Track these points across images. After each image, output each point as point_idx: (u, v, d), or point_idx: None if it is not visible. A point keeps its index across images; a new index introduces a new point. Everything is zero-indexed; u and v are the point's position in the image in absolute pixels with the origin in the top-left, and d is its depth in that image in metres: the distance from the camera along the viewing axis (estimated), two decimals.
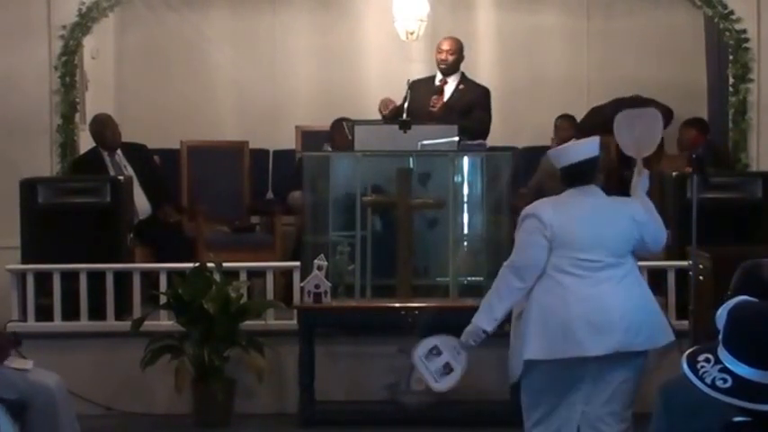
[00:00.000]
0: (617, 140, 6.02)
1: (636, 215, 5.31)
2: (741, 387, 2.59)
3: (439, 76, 8.90)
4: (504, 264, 5.33)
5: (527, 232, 5.26)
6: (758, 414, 2.58)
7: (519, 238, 5.32)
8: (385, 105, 8.81)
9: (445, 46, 8.84)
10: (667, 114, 9.59)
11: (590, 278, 5.17)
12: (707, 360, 2.66)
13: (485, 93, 8.90)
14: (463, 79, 8.89)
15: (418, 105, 8.49)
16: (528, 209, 5.36)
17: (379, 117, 8.97)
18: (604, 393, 5.23)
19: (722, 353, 2.64)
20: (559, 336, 5.12)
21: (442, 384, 5.47)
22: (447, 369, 5.40)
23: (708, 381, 2.63)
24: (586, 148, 5.36)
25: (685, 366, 2.68)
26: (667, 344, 5.30)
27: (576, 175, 5.31)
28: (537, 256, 5.21)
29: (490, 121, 8.79)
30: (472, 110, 8.75)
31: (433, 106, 8.69)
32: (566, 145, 5.52)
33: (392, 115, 8.56)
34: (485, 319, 5.29)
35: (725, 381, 2.61)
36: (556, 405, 5.28)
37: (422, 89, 8.76)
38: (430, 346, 5.48)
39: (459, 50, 8.85)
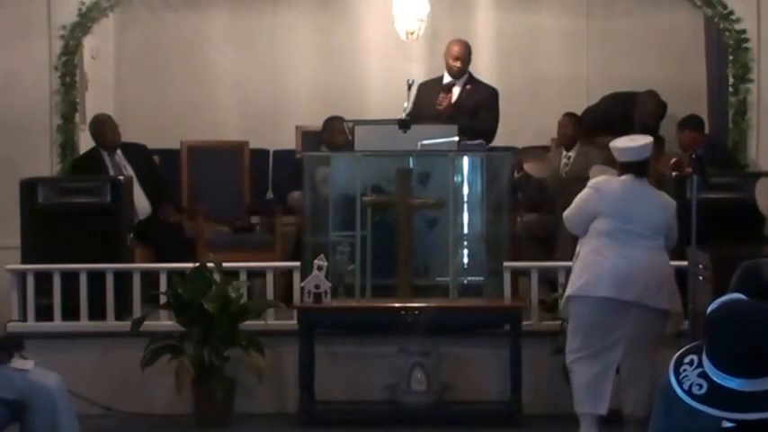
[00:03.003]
0: None
1: (669, 209, 6.67)
2: (715, 394, 2.56)
3: (447, 78, 8.90)
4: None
5: (583, 197, 6.67)
6: (738, 422, 2.55)
7: (576, 200, 6.71)
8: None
9: (456, 52, 8.83)
10: (660, 108, 9.55)
11: (624, 242, 6.48)
12: (690, 362, 2.62)
13: (492, 93, 8.90)
14: (470, 80, 8.89)
15: (426, 107, 8.50)
16: (592, 182, 6.76)
17: (377, 117, 8.97)
18: (639, 337, 6.45)
19: (704, 356, 2.61)
20: (592, 280, 6.44)
21: None
22: None
23: (685, 386, 2.59)
24: (641, 151, 6.63)
25: (671, 368, 2.66)
26: (674, 311, 6.59)
27: (632, 168, 6.60)
28: (581, 216, 6.63)
29: (497, 121, 8.79)
30: (479, 110, 8.75)
31: (439, 104, 8.69)
32: (626, 146, 6.67)
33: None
34: None
35: (700, 387, 2.57)
36: (601, 345, 6.46)
37: (430, 90, 8.77)
38: None
39: (468, 55, 8.87)
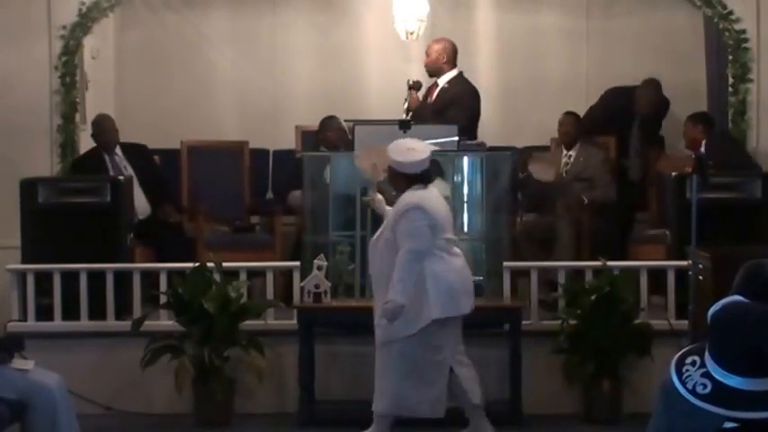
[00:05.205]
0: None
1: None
2: (720, 393, 2.57)
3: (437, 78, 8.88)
4: (406, 250, 6.43)
5: (419, 222, 6.45)
6: (742, 420, 2.56)
7: (413, 228, 6.44)
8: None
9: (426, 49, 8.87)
10: (658, 96, 9.52)
11: (453, 253, 6.60)
12: (693, 363, 2.64)
13: (465, 92, 8.76)
14: (453, 79, 8.79)
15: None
16: (413, 202, 6.49)
17: (377, 117, 8.97)
18: (460, 339, 6.73)
19: (707, 356, 2.62)
20: (449, 298, 6.52)
21: None
22: None
23: (689, 386, 2.61)
24: (425, 162, 6.55)
25: (672, 368, 2.67)
26: None
27: (425, 177, 6.56)
28: (428, 241, 6.48)
29: (468, 119, 8.57)
30: (447, 109, 8.65)
31: (405, 101, 8.60)
32: (408, 160, 6.54)
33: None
34: (402, 297, 6.44)
35: (705, 386, 2.59)
36: (447, 354, 6.64)
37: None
38: None
39: (435, 52, 8.78)
